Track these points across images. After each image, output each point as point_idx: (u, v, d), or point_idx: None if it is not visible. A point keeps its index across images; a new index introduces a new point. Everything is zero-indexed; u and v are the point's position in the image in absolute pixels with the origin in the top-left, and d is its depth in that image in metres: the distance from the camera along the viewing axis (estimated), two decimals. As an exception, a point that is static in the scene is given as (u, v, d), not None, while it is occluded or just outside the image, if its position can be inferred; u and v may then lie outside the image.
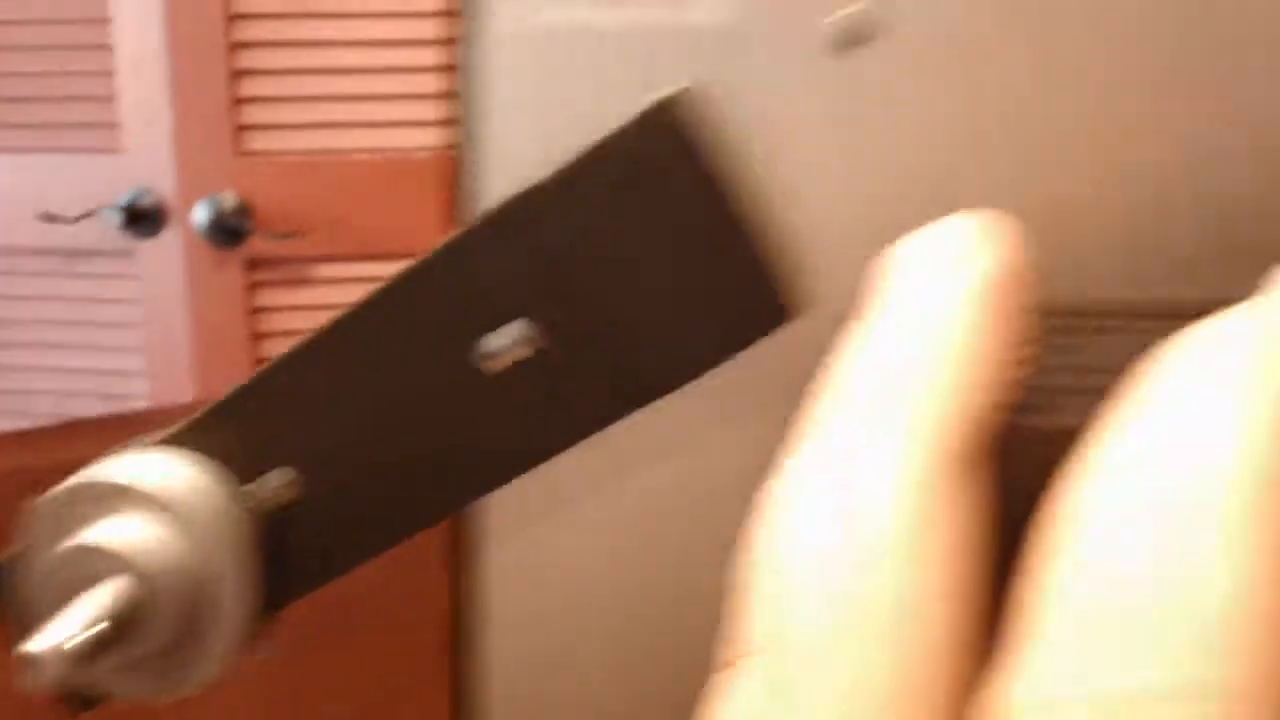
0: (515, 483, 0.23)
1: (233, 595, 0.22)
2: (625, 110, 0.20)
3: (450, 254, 0.22)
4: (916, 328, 0.17)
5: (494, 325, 0.22)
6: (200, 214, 1.38)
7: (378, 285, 0.22)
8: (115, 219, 1.37)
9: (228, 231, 1.38)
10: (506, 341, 0.22)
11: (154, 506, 0.22)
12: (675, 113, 0.20)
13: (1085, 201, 0.25)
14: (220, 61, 1.33)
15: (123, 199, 1.38)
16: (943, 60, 0.25)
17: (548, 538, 0.30)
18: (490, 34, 0.27)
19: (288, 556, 0.23)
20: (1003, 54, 0.25)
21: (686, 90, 0.20)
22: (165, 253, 1.40)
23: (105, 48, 1.36)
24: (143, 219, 1.39)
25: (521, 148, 0.28)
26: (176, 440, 0.23)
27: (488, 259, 0.22)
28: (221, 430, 0.23)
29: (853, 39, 0.24)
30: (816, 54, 0.25)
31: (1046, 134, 0.25)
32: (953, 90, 0.25)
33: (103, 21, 1.35)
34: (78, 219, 1.39)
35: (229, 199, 1.38)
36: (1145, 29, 0.24)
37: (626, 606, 0.29)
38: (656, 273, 0.21)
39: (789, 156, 0.26)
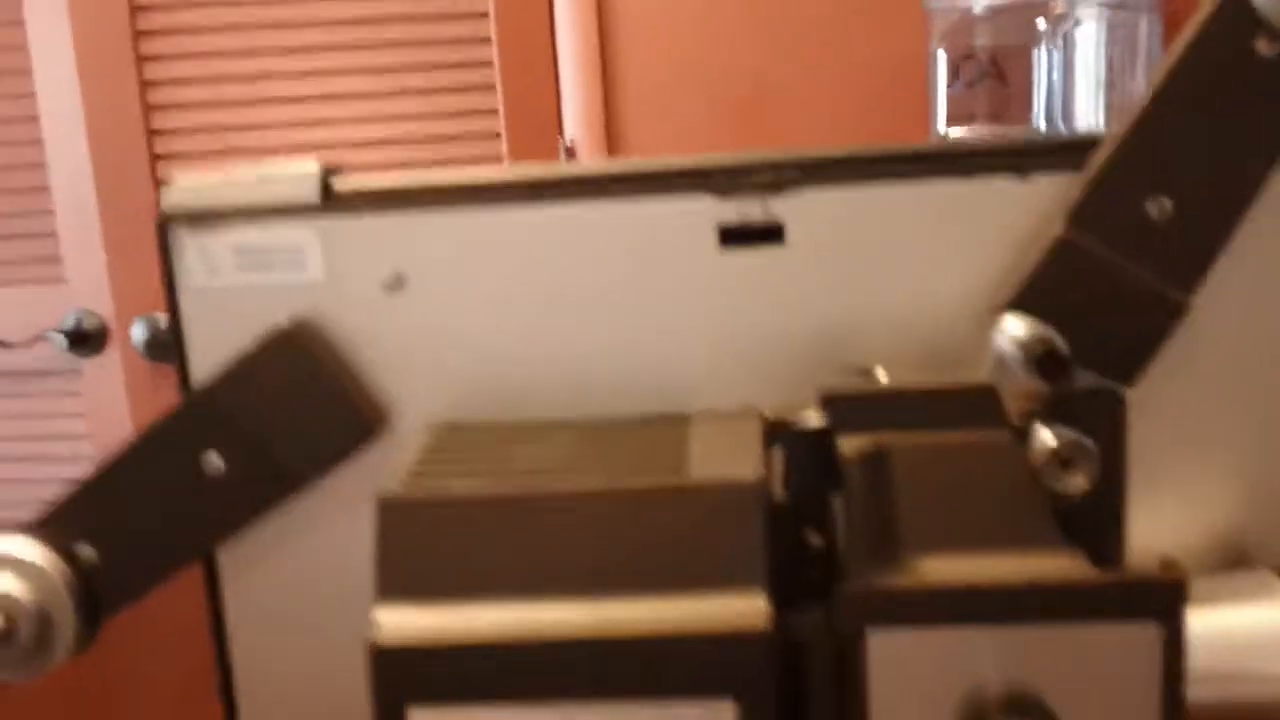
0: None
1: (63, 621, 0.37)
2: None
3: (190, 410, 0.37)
4: None
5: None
6: (137, 333, 1.52)
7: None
8: (61, 342, 1.52)
9: (163, 347, 1.52)
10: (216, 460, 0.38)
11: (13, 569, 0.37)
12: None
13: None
14: (147, 196, 1.48)
15: (67, 323, 1.53)
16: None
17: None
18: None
19: (96, 595, 0.38)
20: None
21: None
22: (108, 370, 1.54)
23: (44, 189, 1.51)
24: (86, 340, 1.54)
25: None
26: (27, 530, 0.39)
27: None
28: (59, 524, 0.39)
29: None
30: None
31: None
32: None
33: (39, 166, 1.51)
34: (27, 343, 1.53)
35: (163, 318, 1.52)
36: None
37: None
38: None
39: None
